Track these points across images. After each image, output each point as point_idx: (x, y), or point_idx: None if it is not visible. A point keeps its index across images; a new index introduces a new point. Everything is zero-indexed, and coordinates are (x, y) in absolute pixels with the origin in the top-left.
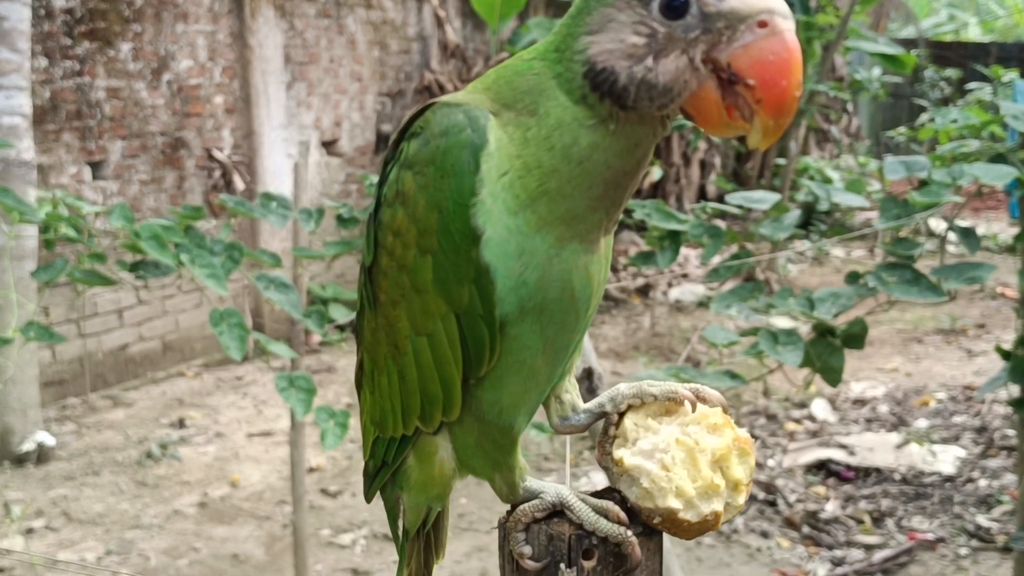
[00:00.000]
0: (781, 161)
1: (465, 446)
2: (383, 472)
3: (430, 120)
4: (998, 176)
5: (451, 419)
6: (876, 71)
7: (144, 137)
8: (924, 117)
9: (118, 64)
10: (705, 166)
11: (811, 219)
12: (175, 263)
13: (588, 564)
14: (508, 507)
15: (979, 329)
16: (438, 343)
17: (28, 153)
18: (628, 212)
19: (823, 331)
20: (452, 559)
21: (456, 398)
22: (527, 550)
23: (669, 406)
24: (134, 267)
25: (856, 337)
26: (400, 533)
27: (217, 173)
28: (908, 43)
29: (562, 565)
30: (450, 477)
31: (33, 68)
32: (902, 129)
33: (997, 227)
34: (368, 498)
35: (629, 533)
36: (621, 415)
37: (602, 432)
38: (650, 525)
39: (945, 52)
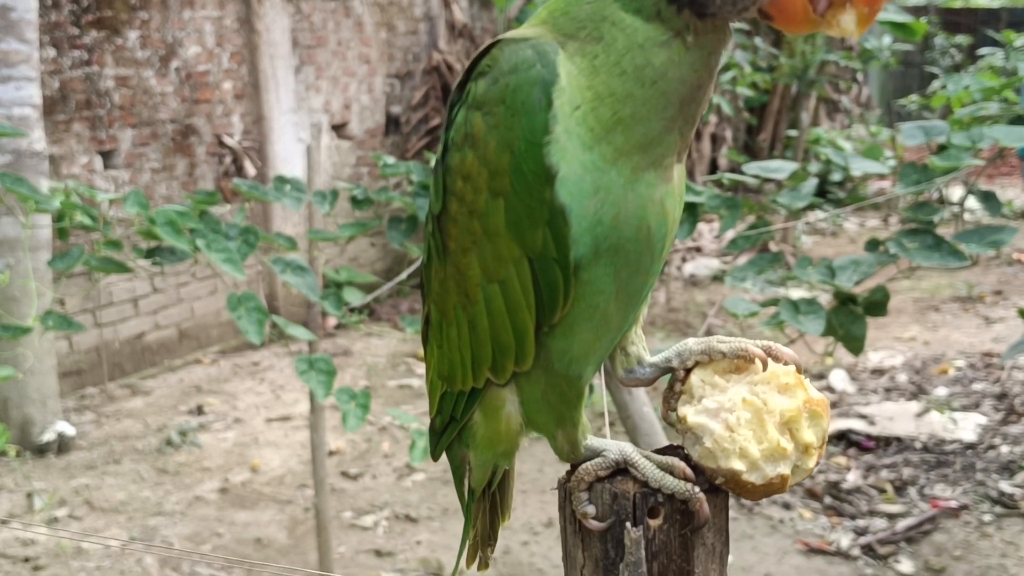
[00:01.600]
0: (792, 133)
1: (531, 399)
2: (451, 428)
3: (498, 58)
4: (1018, 138)
5: (524, 369)
6: (886, 39)
7: (154, 125)
8: (936, 84)
9: (126, 52)
10: (716, 139)
11: (825, 190)
12: (191, 248)
13: (654, 523)
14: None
15: (996, 296)
16: (511, 289)
17: (39, 144)
18: None
19: (844, 299)
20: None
21: (529, 346)
22: (591, 510)
23: (739, 364)
24: (150, 254)
25: (878, 304)
26: (466, 493)
27: (228, 159)
28: (918, 10)
29: (628, 524)
30: (517, 433)
31: (42, 58)
32: (913, 97)
33: (1012, 193)
34: (435, 456)
35: (696, 489)
36: (688, 371)
37: (668, 388)
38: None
39: (955, 18)
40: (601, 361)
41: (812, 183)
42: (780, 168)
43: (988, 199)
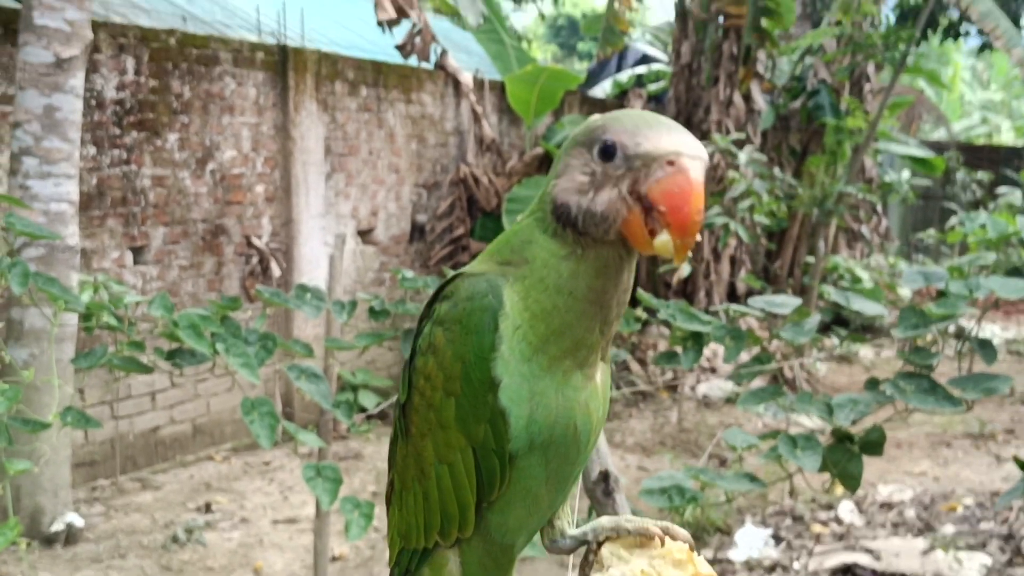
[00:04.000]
0: (811, 259)
1: (470, 561)
2: None
3: (459, 286)
4: (1014, 290)
5: (466, 536)
6: (906, 173)
7: (186, 224)
8: (954, 220)
9: (164, 153)
10: (735, 262)
11: (842, 317)
12: (211, 352)
13: None
14: None
15: (1008, 434)
16: (457, 471)
17: (73, 238)
18: (653, 312)
19: (841, 437)
20: None
21: (470, 518)
22: None
23: (642, 540)
24: (171, 355)
25: (874, 444)
26: None
27: (255, 259)
28: (940, 146)
29: None
30: None
31: (81, 156)
32: (931, 231)
33: None
34: None
35: None
36: (600, 544)
37: (583, 557)
38: None
39: (977, 155)
40: (533, 533)
41: (815, 319)
42: (784, 303)
43: (985, 347)
